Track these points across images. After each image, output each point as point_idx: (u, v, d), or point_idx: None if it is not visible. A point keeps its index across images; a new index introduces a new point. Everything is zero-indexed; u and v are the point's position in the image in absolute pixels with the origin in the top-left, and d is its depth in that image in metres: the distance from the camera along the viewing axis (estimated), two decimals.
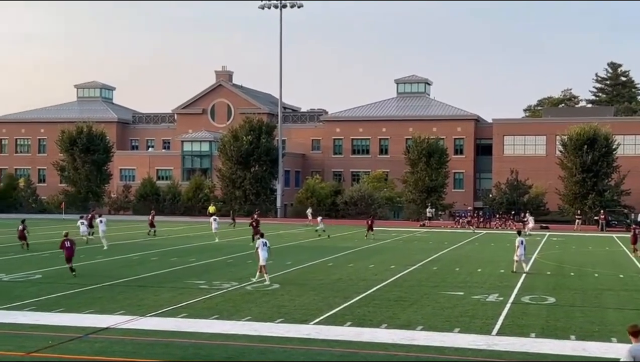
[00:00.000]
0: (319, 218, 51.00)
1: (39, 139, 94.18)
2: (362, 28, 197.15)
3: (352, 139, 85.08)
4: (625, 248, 40.12)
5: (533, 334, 16.65)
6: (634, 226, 41.21)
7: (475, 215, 61.71)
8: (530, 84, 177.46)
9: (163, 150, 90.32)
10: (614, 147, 66.12)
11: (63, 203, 72.72)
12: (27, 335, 15.84)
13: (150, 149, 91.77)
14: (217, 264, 30.16)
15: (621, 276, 27.92)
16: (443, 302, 20.94)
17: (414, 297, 21.81)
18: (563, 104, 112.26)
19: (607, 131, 65.90)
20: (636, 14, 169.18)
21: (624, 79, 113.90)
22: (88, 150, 76.90)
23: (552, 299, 21.66)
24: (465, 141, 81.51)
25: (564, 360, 14.53)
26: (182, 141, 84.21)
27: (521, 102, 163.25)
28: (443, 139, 77.62)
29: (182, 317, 18.08)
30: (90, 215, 45.61)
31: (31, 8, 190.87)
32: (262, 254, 24.48)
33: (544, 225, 59.76)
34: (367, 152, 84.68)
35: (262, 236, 25.85)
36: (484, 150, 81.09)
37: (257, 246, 24.96)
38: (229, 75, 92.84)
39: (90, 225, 42.31)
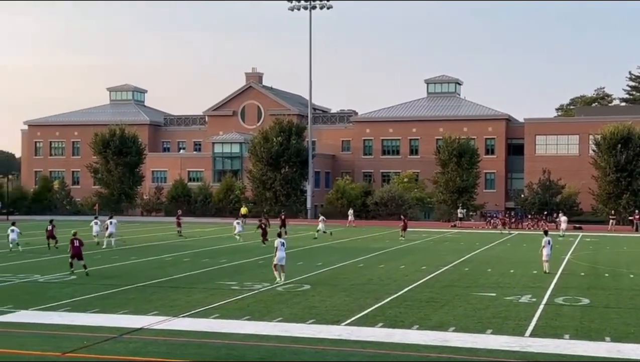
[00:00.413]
0: (321, 218, 50.07)
1: (73, 142, 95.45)
2: (392, 28, 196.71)
3: (382, 140, 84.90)
4: None
5: (567, 336, 16.49)
6: None
7: (506, 215, 61.21)
8: (563, 82, 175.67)
9: (194, 152, 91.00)
10: None
11: (97, 205, 73.60)
12: (62, 335, 16.08)
13: (181, 151, 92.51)
14: (248, 265, 30.32)
15: None
16: (475, 303, 20.81)
17: (446, 298, 21.71)
18: (596, 103, 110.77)
19: None
20: None
21: None
22: (121, 153, 77.81)
23: (586, 300, 21.41)
24: (496, 141, 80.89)
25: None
26: (213, 143, 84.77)
27: (553, 101, 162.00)
28: (474, 139, 77.14)
29: (214, 318, 18.21)
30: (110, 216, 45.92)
31: (64, 13, 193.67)
32: (279, 254, 24.64)
33: (577, 225, 59.05)
34: (397, 152, 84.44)
35: (279, 235, 25.94)
36: (515, 150, 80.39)
37: (275, 245, 25.08)
38: (259, 77, 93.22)
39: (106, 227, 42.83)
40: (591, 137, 69.81)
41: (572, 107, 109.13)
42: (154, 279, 25.36)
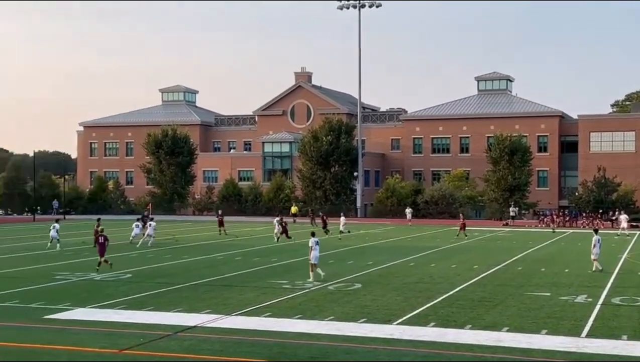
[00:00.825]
0: (342, 219, 48.23)
1: (127, 143, 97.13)
2: (441, 25, 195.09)
3: (432, 138, 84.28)
4: None
5: (625, 337, 16.13)
6: None
7: (560, 214, 60.16)
8: (618, 78, 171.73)
9: (244, 152, 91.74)
10: None
11: (150, 204, 74.80)
12: (119, 333, 16.39)
13: (232, 151, 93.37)
14: (298, 264, 30.42)
15: None
16: (529, 303, 20.52)
17: (499, 297, 21.45)
18: None
19: None
20: None
21: None
22: (173, 153, 78.91)
23: None
24: (549, 138, 79.55)
25: None
26: (263, 142, 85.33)
27: (608, 98, 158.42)
28: (526, 136, 75.98)
29: (266, 317, 18.34)
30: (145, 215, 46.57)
31: (117, 16, 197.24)
32: (314, 253, 24.83)
33: (634, 224, 57.68)
34: (448, 150, 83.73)
35: (313, 235, 26.01)
36: (569, 147, 78.94)
37: (310, 245, 25.23)
38: (308, 76, 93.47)
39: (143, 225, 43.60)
40: None
41: (627, 103, 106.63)
42: (206, 278, 25.66)
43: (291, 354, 14.50)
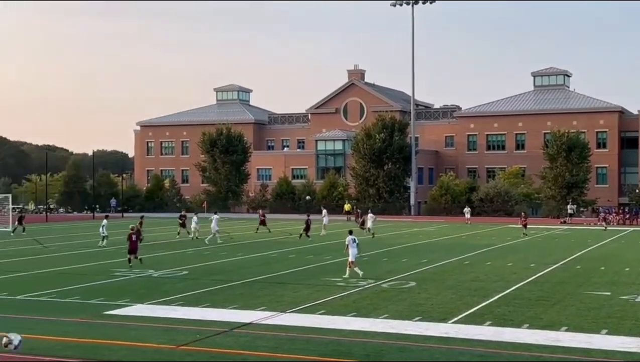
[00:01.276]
0: (370, 216, 46.47)
1: (182, 141, 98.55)
2: (496, 21, 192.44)
3: (487, 135, 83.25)
4: None
5: None
6: None
7: (620, 211, 58.76)
8: None
9: (298, 150, 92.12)
10: None
11: (205, 202, 75.77)
12: (176, 329, 16.62)
13: (285, 149, 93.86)
14: None
15: None
16: (588, 302, 20.09)
17: (557, 296, 21.06)
18: None
19: None
20: None
21: None
22: (227, 151, 79.75)
23: None
24: (608, 134, 77.75)
25: None
26: (316, 140, 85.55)
27: None
28: (584, 132, 74.46)
29: (320, 314, 18.37)
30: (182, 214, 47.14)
31: (172, 17, 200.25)
32: (352, 251, 24.93)
33: None
34: (503, 147, 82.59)
35: (350, 232, 26.21)
36: (629, 143, 77.03)
37: (346, 242, 25.37)
38: (361, 74, 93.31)
39: (183, 225, 44.11)
40: None
41: None
42: (261, 275, 25.85)
43: (346, 351, 14.49)
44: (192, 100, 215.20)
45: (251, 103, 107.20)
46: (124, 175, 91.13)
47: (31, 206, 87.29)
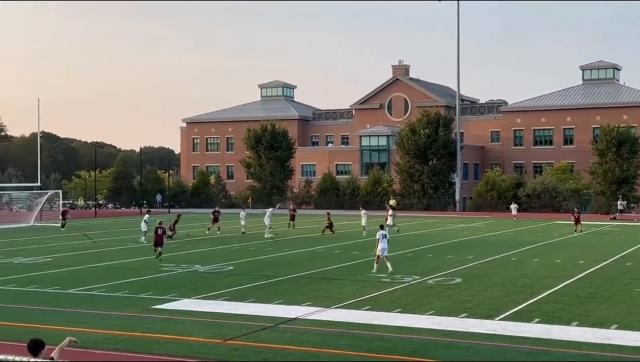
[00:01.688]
0: (362, 211, 45.10)
1: (227, 138, 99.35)
2: (542, 14, 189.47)
3: (534, 130, 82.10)
4: None
5: None
6: None
7: None
8: None
9: (342, 146, 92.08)
10: None
11: (250, 198, 76.26)
12: (222, 323, 16.80)
13: (329, 145, 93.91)
14: (396, 258, 30.21)
15: None
16: (639, 299, 19.68)
17: (607, 294, 20.68)
18: None
19: None
20: None
21: None
22: (272, 147, 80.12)
23: None
24: None
25: None
26: (360, 136, 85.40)
27: None
28: (634, 127, 72.85)
29: (366, 310, 18.36)
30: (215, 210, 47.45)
31: (219, 15, 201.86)
32: (381, 245, 25.05)
33: None
34: (551, 142, 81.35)
35: (382, 227, 26.32)
36: None
37: (377, 237, 25.51)
38: (406, 69, 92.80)
39: (216, 220, 44.34)
40: None
41: None
42: (306, 271, 25.93)
43: (392, 347, 14.46)
44: (236, 96, 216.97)
45: (295, 99, 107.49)
46: (171, 171, 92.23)
47: (81, 202, 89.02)
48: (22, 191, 67.40)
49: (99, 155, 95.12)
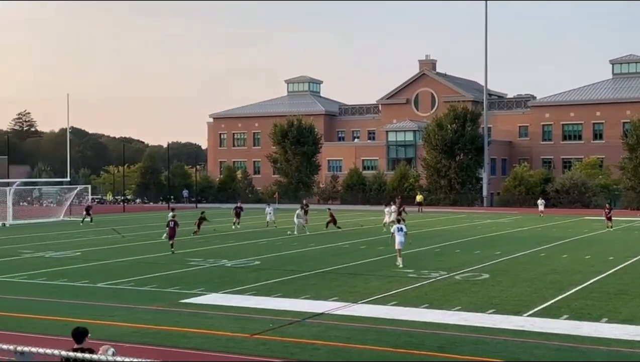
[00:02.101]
0: (393, 208, 43.89)
1: (254, 133, 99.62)
2: (571, 7, 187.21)
3: (563, 125, 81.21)
4: None
5: None
6: None
7: None
8: None
9: (368, 141, 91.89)
10: None
11: (276, 193, 76.45)
12: (250, 318, 16.86)
13: (356, 140, 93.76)
14: (424, 253, 30.19)
15: None
16: None
17: (637, 290, 20.39)
18: None
19: None
20: None
21: None
22: (298, 143, 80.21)
23: None
24: None
25: None
26: (387, 131, 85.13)
27: None
28: None
29: (392, 305, 18.31)
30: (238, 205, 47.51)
31: (244, 12, 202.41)
32: (398, 238, 25.57)
33: None
34: (580, 137, 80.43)
35: (399, 221, 27.16)
36: None
37: (392, 231, 26.35)
38: (433, 64, 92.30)
39: (238, 215, 44.72)
40: None
41: None
42: (332, 266, 25.93)
43: (419, 343, 14.41)
44: (263, 92, 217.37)
45: (322, 94, 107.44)
46: (198, 166, 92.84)
47: (109, 197, 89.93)
48: (52, 186, 68.20)
49: (127, 150, 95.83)
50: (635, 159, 65.82)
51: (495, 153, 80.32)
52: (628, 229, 43.44)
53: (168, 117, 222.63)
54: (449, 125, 71.76)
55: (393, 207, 44.81)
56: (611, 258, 27.99)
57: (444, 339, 14.69)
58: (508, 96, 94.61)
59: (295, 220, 40.79)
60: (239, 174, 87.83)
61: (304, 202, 48.82)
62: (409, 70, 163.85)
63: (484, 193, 72.11)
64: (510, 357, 13.31)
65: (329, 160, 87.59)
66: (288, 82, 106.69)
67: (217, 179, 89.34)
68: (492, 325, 15.91)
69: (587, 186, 67.54)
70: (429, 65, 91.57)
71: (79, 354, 6.75)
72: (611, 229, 41.93)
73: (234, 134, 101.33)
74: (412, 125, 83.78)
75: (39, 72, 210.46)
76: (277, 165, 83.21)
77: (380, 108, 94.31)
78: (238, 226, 43.72)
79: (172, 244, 30.75)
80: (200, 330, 15.54)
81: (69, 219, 55.27)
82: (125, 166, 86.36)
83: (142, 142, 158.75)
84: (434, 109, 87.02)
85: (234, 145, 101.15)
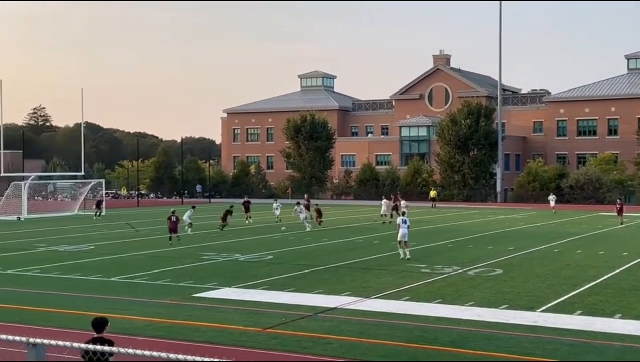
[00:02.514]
0: (406, 203, 44.75)
1: (267, 128, 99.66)
2: (586, 2, 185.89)
3: (577, 120, 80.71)
4: None
5: None
6: None
7: None
8: None
9: (382, 136, 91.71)
10: None
11: (289, 188, 76.53)
12: (262, 312, 16.92)
13: (369, 135, 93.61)
14: (437, 248, 30.16)
15: None
16: None
17: None
18: None
19: None
20: None
21: None
22: (311, 138, 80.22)
23: None
24: None
25: None
26: (400, 126, 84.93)
27: None
28: None
29: (405, 300, 18.31)
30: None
31: (255, 6, 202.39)
32: (402, 231, 26.19)
33: None
34: (594, 133, 79.90)
35: (403, 214, 28.13)
36: None
37: (398, 223, 27.03)
38: (447, 59, 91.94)
39: (247, 209, 45.00)
40: None
41: None
42: (345, 261, 25.95)
43: (431, 338, 14.41)
44: (277, 87, 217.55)
45: (335, 90, 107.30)
46: (211, 161, 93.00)
47: (123, 191, 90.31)
48: (66, 180, 68.62)
49: (141, 145, 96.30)
50: None
51: (510, 148, 79.99)
52: None
53: (182, 112, 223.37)
54: (462, 121, 71.50)
55: (391, 201, 46.14)
56: (625, 254, 27.83)
57: (456, 335, 14.68)
58: (522, 91, 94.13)
59: (300, 216, 40.81)
60: (252, 169, 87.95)
61: (306, 196, 49.04)
62: (423, 65, 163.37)
63: (498, 189, 71.85)
64: (523, 353, 13.28)
65: (342, 155, 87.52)
66: (302, 77, 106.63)
67: (231, 174, 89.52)
68: (505, 320, 15.88)
69: (601, 181, 67.17)
70: (442, 60, 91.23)
71: (99, 347, 6.82)
72: (622, 225, 41.63)
73: (247, 129, 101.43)
74: (426, 121, 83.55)
75: (54, 67, 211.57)
76: (291, 161, 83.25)
77: (393, 103, 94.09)
78: (251, 221, 43.83)
79: (170, 238, 31.98)
80: (213, 324, 15.61)
81: (83, 213, 55.59)
82: (140, 161, 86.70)
83: (156, 137, 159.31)
84: (447, 104, 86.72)
85: (247, 140, 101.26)
